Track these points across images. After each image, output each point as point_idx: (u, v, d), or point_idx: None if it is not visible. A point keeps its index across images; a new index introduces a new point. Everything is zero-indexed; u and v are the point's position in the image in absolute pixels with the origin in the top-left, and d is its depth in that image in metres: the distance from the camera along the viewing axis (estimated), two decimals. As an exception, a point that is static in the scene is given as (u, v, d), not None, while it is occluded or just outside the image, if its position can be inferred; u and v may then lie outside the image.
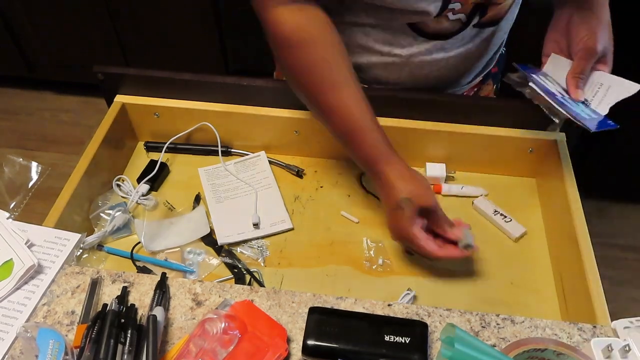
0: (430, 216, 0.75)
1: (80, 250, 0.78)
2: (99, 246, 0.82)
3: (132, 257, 0.81)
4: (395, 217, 0.74)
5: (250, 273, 0.80)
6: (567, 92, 0.81)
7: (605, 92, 0.80)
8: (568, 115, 0.76)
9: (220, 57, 2.20)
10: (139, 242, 0.83)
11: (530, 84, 0.81)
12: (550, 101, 0.78)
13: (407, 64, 0.88)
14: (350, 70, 0.76)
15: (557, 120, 0.83)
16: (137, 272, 0.79)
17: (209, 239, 0.85)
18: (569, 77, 0.80)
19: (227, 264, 0.82)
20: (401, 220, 0.73)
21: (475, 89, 1.01)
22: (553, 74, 0.84)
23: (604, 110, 0.79)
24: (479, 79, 0.99)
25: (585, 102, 0.80)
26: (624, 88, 0.79)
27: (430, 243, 0.74)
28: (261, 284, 0.80)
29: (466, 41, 0.87)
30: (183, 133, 0.95)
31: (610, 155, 1.85)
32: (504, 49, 1.01)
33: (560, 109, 0.77)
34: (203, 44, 2.15)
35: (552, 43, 0.85)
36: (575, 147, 0.89)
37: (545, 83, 0.81)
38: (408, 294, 0.76)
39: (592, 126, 0.75)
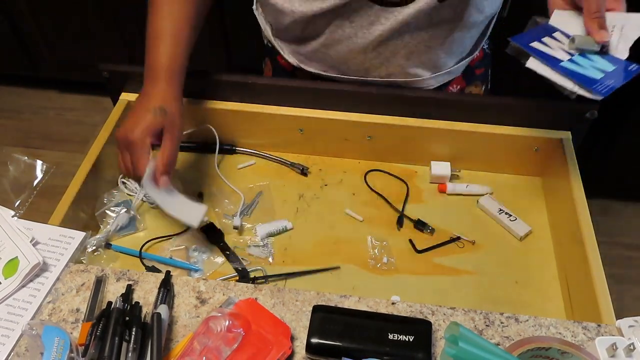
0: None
1: (94, 247, 0.79)
2: (107, 244, 0.82)
3: (140, 256, 0.81)
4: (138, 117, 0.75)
5: (249, 278, 0.80)
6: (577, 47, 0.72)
7: (620, 32, 0.71)
8: (575, 88, 0.69)
9: (224, 55, 2.20)
10: (147, 242, 0.83)
11: (528, 63, 0.72)
12: (552, 78, 0.70)
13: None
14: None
15: (567, 93, 0.73)
16: (146, 271, 0.79)
17: (213, 237, 0.85)
18: (587, 20, 0.71)
19: (230, 261, 0.82)
20: (139, 122, 0.75)
21: (460, 89, 1.00)
22: (562, 29, 0.75)
23: (623, 54, 0.71)
24: (457, 69, 0.96)
25: (603, 50, 0.72)
26: None
27: (144, 159, 0.74)
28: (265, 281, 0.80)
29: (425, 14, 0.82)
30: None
31: (615, 153, 1.84)
32: (489, 49, 1.00)
33: (564, 84, 0.70)
34: (207, 41, 2.15)
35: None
36: (580, 146, 0.89)
37: (549, 46, 0.73)
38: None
39: (605, 89, 0.67)
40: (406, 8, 0.80)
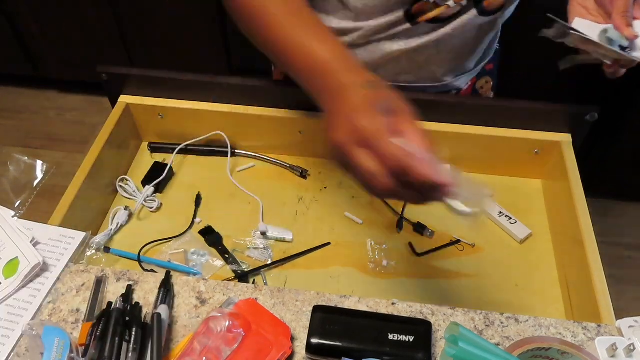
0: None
1: (93, 251, 0.79)
2: (106, 248, 0.82)
3: (139, 260, 0.81)
4: (350, 104, 0.55)
5: (247, 278, 0.80)
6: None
7: None
8: (621, 52, 0.71)
9: (224, 57, 2.20)
10: (146, 245, 0.83)
11: (572, 31, 0.74)
12: (599, 41, 0.73)
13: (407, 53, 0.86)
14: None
15: (608, 62, 0.74)
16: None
17: (212, 240, 0.85)
18: (616, 17, 0.72)
19: (228, 264, 0.82)
20: (359, 107, 0.54)
21: (471, 84, 1.00)
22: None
23: None
24: (476, 70, 0.97)
25: (626, 50, 0.74)
26: None
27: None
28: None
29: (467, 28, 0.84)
30: (198, 139, 0.95)
31: (614, 153, 1.84)
32: (498, 44, 1.01)
33: (611, 47, 0.72)
34: (207, 44, 2.16)
35: (577, 6, 0.76)
36: (580, 146, 0.89)
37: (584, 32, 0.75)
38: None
39: None
40: (448, 25, 0.80)
